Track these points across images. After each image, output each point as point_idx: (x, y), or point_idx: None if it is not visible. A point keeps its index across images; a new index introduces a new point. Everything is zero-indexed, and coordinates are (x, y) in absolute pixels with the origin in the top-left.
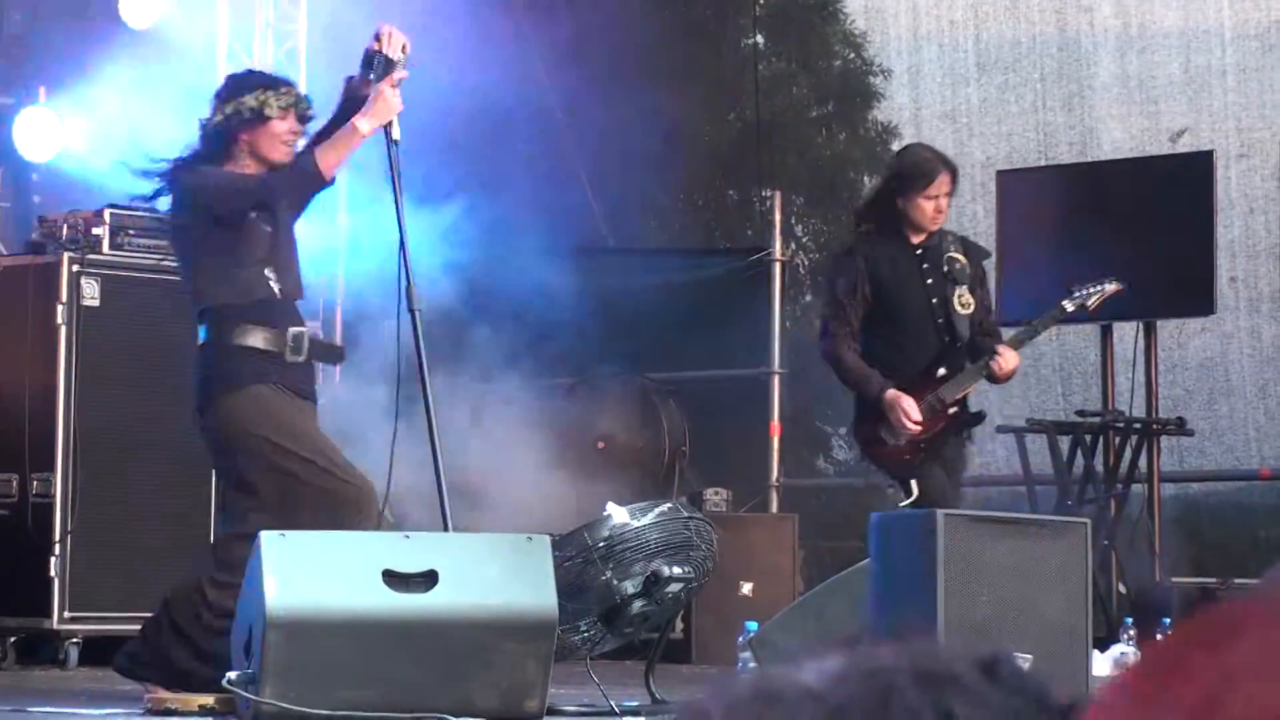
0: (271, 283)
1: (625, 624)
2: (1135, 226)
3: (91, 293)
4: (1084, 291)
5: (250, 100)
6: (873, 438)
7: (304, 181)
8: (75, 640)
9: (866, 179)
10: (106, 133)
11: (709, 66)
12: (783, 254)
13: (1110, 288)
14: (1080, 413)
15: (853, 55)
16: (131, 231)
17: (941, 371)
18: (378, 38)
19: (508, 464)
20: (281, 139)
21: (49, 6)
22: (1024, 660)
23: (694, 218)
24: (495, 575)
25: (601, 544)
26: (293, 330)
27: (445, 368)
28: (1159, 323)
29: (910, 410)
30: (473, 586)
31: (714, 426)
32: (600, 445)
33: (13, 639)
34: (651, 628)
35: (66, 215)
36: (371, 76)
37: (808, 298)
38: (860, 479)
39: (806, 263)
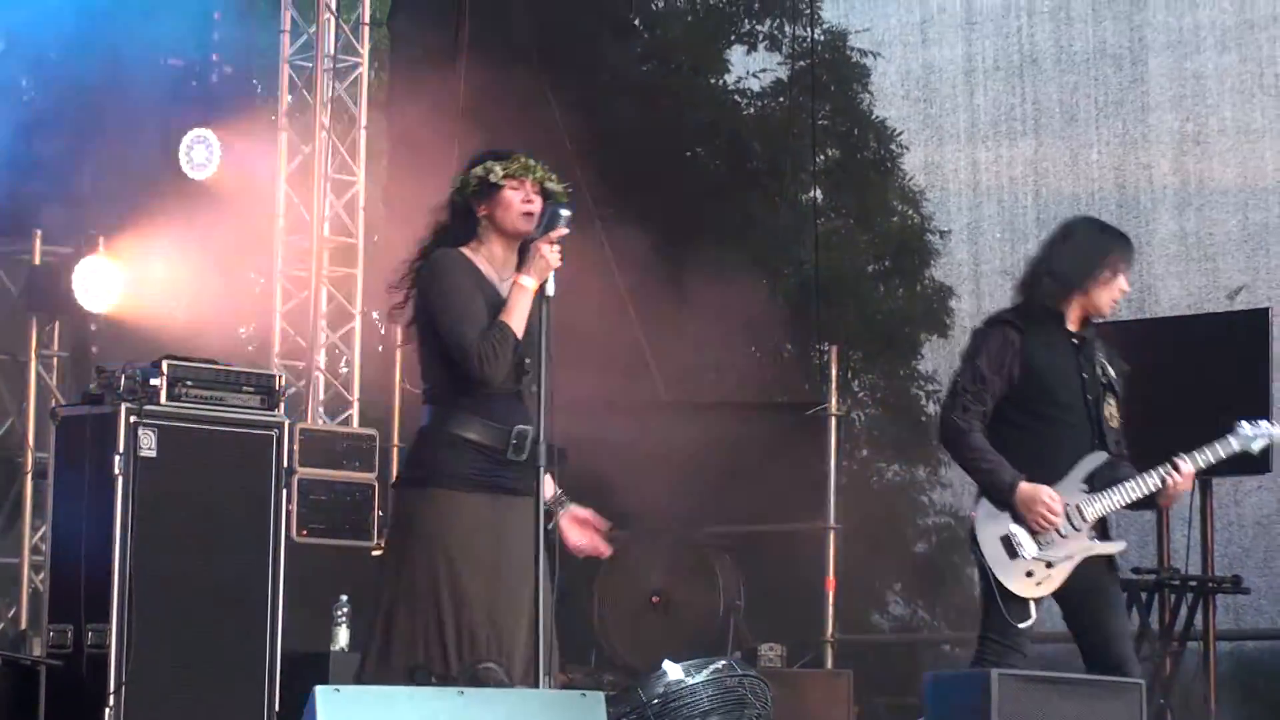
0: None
1: None
2: (1191, 383)
3: (148, 443)
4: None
5: (478, 171)
6: (996, 542)
7: (508, 349)
8: None
9: (924, 335)
10: (165, 283)
11: (766, 220)
12: (839, 408)
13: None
14: (1136, 570)
15: (911, 211)
16: (189, 383)
17: (1083, 485)
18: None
19: (561, 617)
20: (517, 209)
21: (111, 159)
22: None
23: (751, 371)
24: None
25: (656, 701)
26: (517, 427)
27: None
28: (1214, 480)
29: (1054, 504)
30: None
31: (769, 581)
32: (655, 600)
33: None
34: None
35: (124, 366)
36: (537, 231)
37: (864, 452)
38: (917, 634)
39: (863, 417)
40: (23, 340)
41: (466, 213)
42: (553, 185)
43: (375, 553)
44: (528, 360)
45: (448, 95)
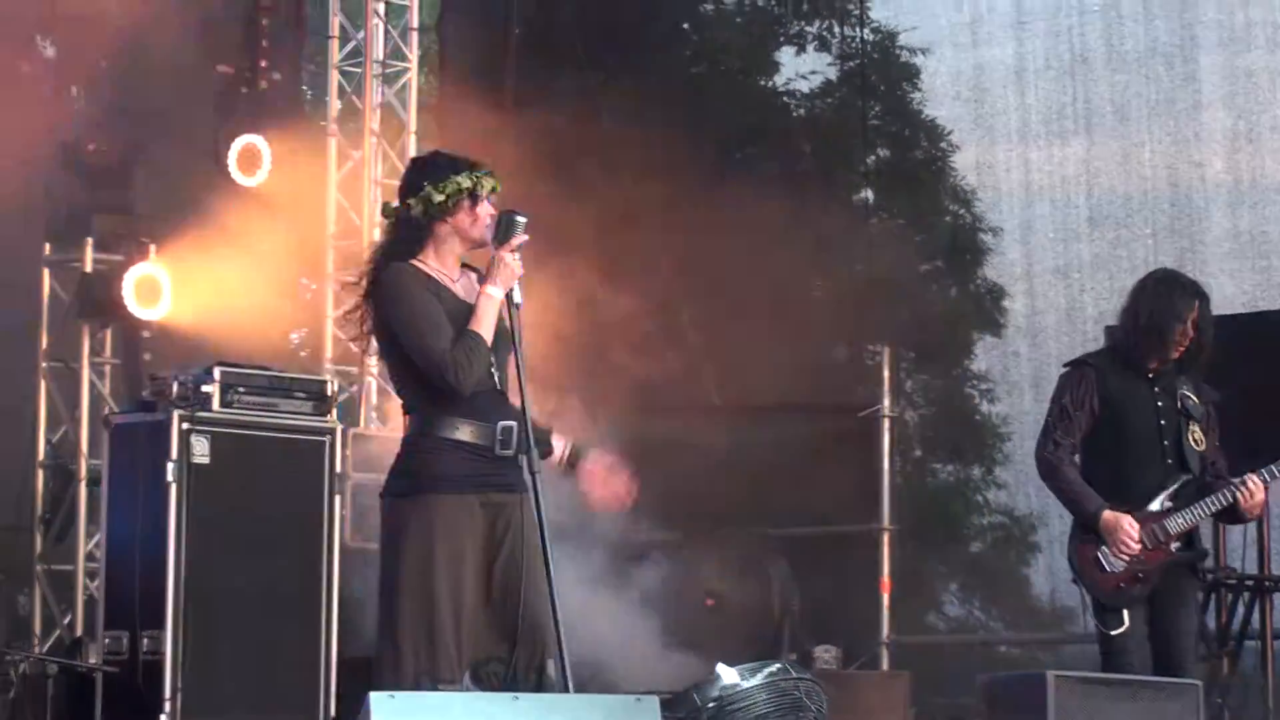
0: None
1: None
2: (1247, 381)
3: (202, 450)
4: None
5: (464, 181)
6: (1089, 561)
7: (480, 359)
8: None
9: (976, 335)
10: (217, 289)
11: (818, 221)
12: (892, 409)
13: None
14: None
15: (962, 211)
16: (241, 389)
17: (1167, 503)
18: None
19: (615, 622)
20: (484, 220)
21: (162, 166)
22: None
23: (803, 373)
24: None
25: (711, 704)
26: (502, 424)
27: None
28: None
29: (1132, 532)
30: None
31: (824, 583)
32: (709, 602)
33: None
34: None
35: (176, 373)
36: (495, 241)
37: (917, 453)
38: (973, 635)
39: (916, 418)
40: (75, 348)
41: (419, 223)
42: (498, 189)
43: None
44: (492, 361)
45: (496, 98)
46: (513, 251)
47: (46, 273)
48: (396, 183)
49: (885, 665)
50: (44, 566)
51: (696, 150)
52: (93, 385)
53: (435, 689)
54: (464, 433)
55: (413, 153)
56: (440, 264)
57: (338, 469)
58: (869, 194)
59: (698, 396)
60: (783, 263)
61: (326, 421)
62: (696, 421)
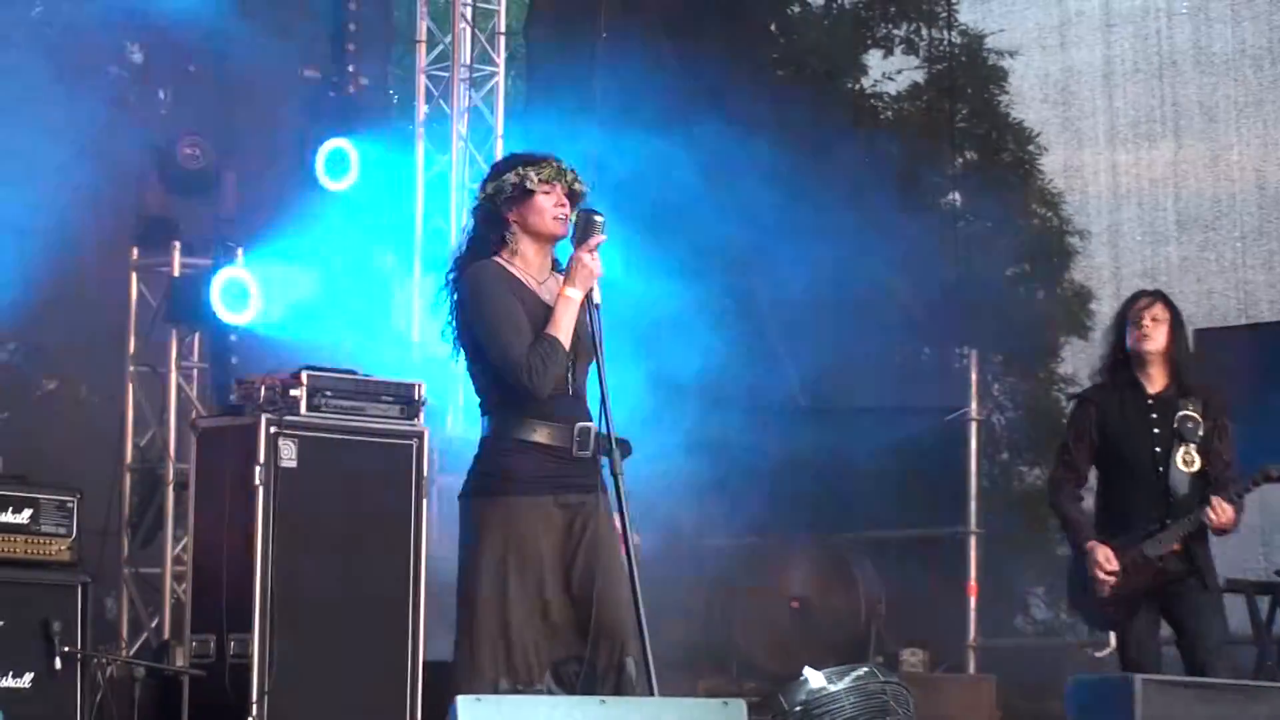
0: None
1: None
2: None
3: (289, 454)
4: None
5: (510, 177)
6: (1079, 587)
7: (557, 362)
8: None
9: (1063, 338)
10: (305, 293)
11: (902, 224)
12: (979, 413)
13: None
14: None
15: (1050, 214)
16: (328, 393)
17: (1154, 526)
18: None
19: (703, 620)
20: (550, 214)
21: (250, 171)
22: None
23: (890, 375)
24: None
25: (798, 708)
26: (579, 424)
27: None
28: None
29: (1104, 562)
30: None
31: (910, 586)
32: (795, 605)
33: None
34: None
35: (264, 377)
36: (574, 241)
37: (1004, 456)
38: (1061, 639)
39: (1003, 421)
40: (163, 352)
41: (496, 220)
42: (580, 187)
43: None
44: (570, 363)
45: (583, 102)
46: (591, 251)
47: (134, 277)
48: None
49: (971, 668)
50: (131, 570)
51: (783, 153)
52: (180, 389)
53: (514, 691)
54: (540, 434)
55: (499, 157)
56: (524, 264)
57: (425, 472)
58: (956, 197)
59: (784, 398)
60: (869, 265)
61: (414, 425)
62: (782, 424)
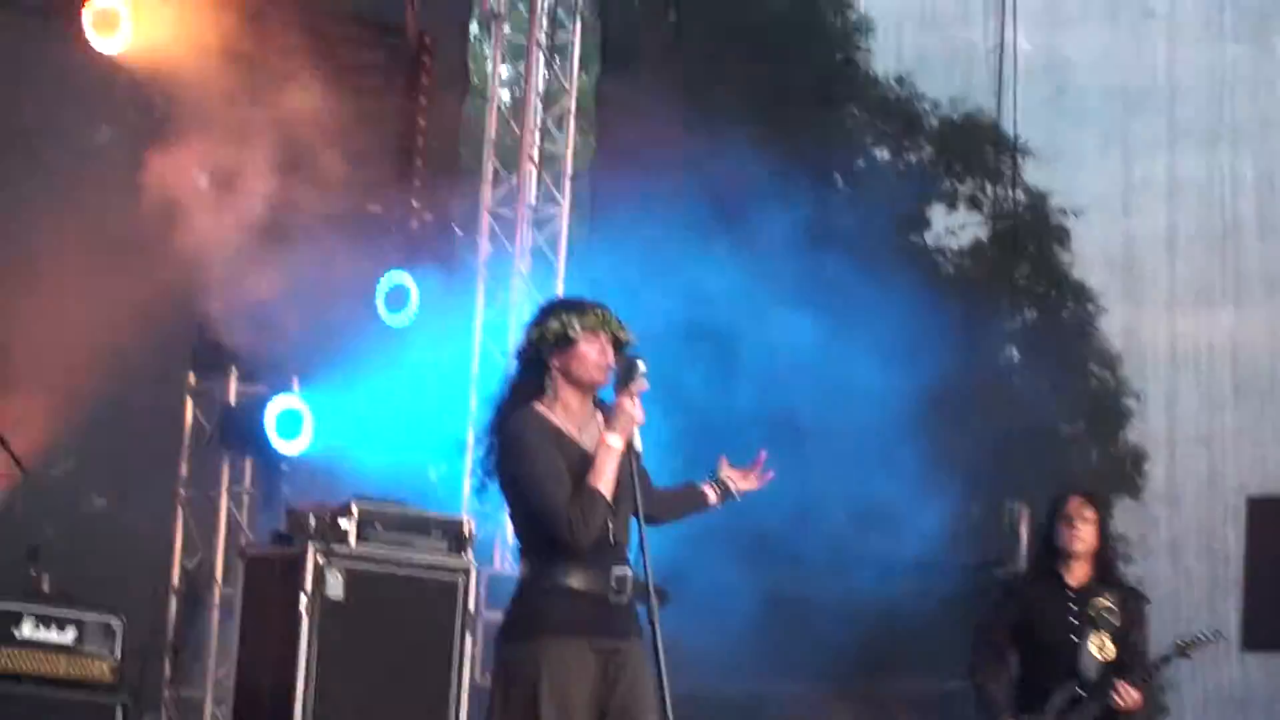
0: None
1: None
2: None
3: (335, 584)
4: (1187, 640)
5: (554, 324)
6: None
7: (597, 516)
8: None
9: (1115, 497)
10: (359, 425)
11: (957, 377)
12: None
13: (1212, 640)
14: None
15: (1108, 375)
16: (378, 525)
17: (1065, 711)
18: (632, 357)
19: None
20: (592, 362)
21: (310, 301)
22: None
23: (939, 528)
24: None
25: None
26: (616, 571)
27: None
28: None
29: None
30: None
31: None
32: None
33: None
34: None
35: (314, 506)
36: (616, 387)
37: None
38: None
39: None
40: (215, 476)
41: (539, 365)
42: (625, 336)
43: None
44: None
45: (645, 249)
46: (633, 398)
47: (189, 401)
48: None
49: None
50: (173, 693)
51: (846, 303)
52: (230, 514)
53: None
54: (577, 579)
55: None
56: (565, 411)
57: (470, 608)
58: (1014, 353)
59: (830, 542)
60: (925, 416)
61: (462, 560)
62: (827, 574)
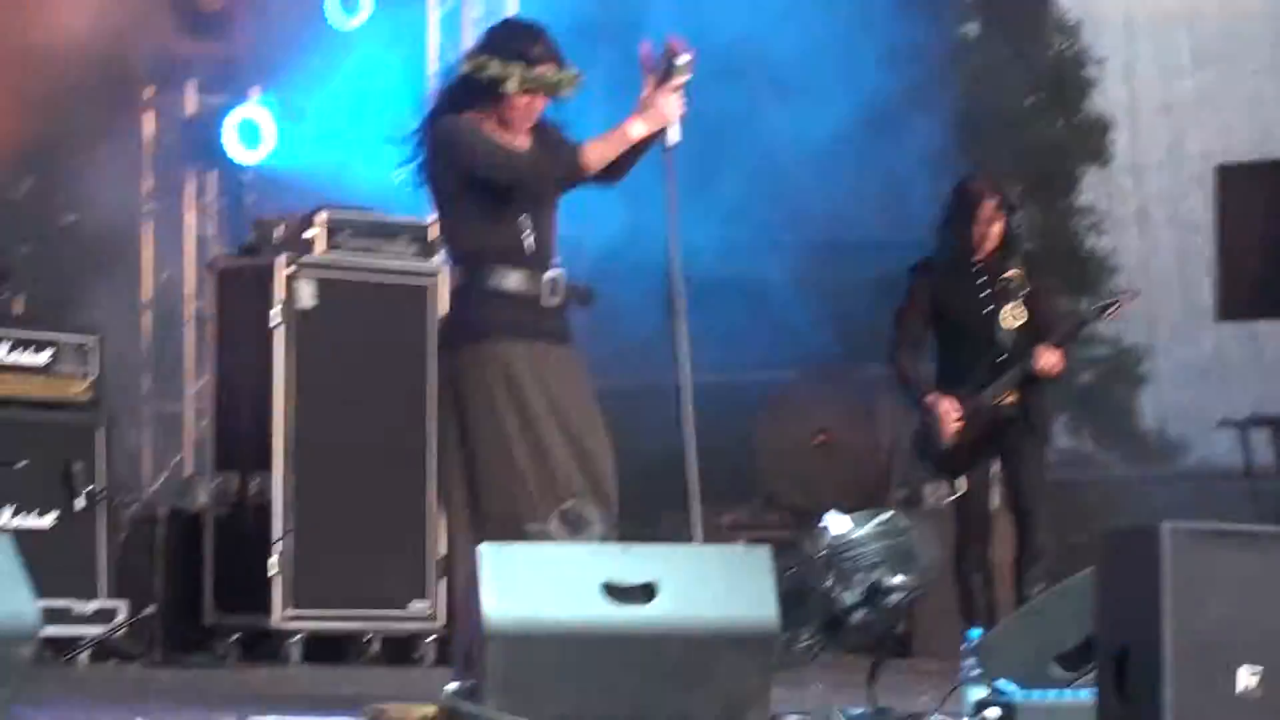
0: (527, 233)
1: (847, 634)
2: None
3: (307, 294)
4: (1102, 304)
5: (495, 68)
6: (924, 439)
7: (566, 174)
8: (296, 638)
9: (1082, 168)
10: (319, 132)
11: (918, 54)
12: None
13: (1125, 298)
14: None
15: (1068, 44)
16: (347, 232)
17: (989, 379)
18: (666, 46)
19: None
20: (519, 114)
21: (261, 9)
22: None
23: (905, 209)
24: (715, 586)
25: (822, 554)
26: (547, 274)
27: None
28: None
29: (950, 410)
30: (693, 599)
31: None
32: (817, 439)
33: (235, 636)
34: (873, 636)
35: (282, 217)
36: (654, 77)
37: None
38: (1084, 469)
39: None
40: (178, 192)
41: (475, 89)
42: (567, 94)
43: None
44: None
45: None
46: (669, 93)
47: (148, 116)
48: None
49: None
50: (152, 408)
51: None
52: (199, 227)
53: (582, 524)
54: (513, 282)
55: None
56: (498, 124)
57: (439, 312)
58: (974, 26)
59: (806, 234)
60: (885, 97)
61: (430, 264)
62: (802, 257)
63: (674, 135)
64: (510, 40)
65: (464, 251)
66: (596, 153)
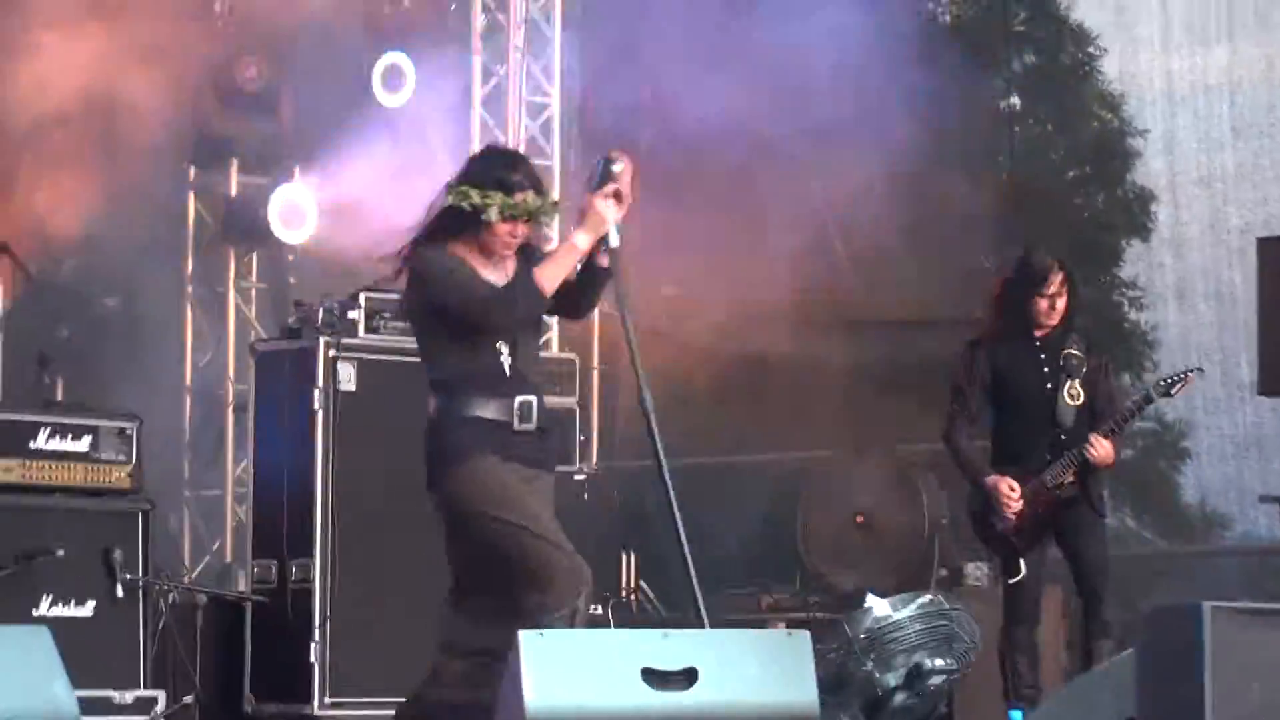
0: (504, 357)
1: (887, 716)
2: None
3: (347, 377)
4: (1169, 379)
5: (476, 197)
6: (981, 520)
7: (530, 303)
8: None
9: (1125, 241)
10: (362, 211)
11: (962, 128)
12: None
13: (1192, 375)
14: None
15: (1110, 116)
16: (386, 315)
17: (1049, 458)
18: (608, 156)
19: (762, 540)
20: (500, 241)
21: (306, 88)
22: None
23: (950, 284)
24: (755, 672)
25: (863, 636)
26: (519, 399)
27: (692, 442)
28: None
29: (1009, 491)
30: (733, 684)
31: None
32: (859, 519)
33: None
34: (915, 718)
35: (322, 299)
36: (590, 186)
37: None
38: (1127, 547)
39: None
40: (221, 273)
41: (452, 215)
42: (547, 220)
43: (577, 476)
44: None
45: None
46: (606, 198)
47: (192, 196)
48: (540, 99)
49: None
50: (193, 493)
51: (839, 62)
52: (238, 310)
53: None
54: (489, 410)
55: (557, 68)
56: (480, 254)
57: None
58: (1016, 101)
59: (843, 311)
60: (928, 170)
61: None
62: (842, 337)
63: (614, 239)
64: (490, 169)
65: (441, 378)
66: (548, 274)
